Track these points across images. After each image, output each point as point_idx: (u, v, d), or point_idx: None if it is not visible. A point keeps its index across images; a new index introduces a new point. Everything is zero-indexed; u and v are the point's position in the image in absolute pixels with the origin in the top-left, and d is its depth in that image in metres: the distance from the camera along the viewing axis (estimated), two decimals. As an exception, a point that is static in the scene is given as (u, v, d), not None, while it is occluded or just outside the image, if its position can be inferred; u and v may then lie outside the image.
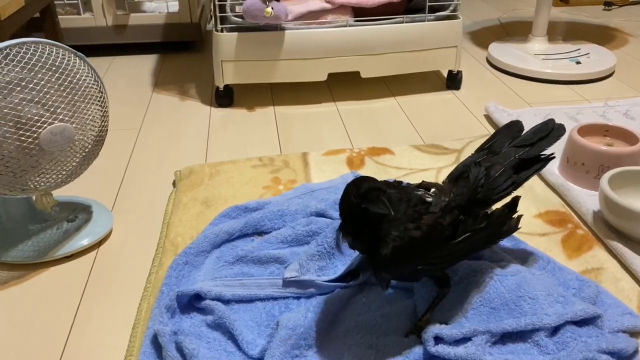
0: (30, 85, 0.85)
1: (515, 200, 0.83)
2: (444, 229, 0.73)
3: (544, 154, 0.84)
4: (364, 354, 0.73)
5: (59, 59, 0.88)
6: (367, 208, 0.68)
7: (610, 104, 1.48)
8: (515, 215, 0.83)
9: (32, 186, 0.92)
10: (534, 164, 0.83)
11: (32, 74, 0.85)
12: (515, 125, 0.87)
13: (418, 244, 0.70)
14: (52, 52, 0.88)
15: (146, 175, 1.22)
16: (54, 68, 0.87)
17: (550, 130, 0.86)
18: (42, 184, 0.93)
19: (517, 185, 0.81)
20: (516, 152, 0.82)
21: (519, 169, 0.82)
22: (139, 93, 1.65)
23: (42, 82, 0.86)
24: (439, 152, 1.26)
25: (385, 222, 0.69)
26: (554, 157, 0.85)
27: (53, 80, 0.87)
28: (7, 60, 0.83)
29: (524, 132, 0.86)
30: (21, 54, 0.85)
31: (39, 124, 0.86)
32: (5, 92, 0.83)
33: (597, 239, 0.97)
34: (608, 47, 1.91)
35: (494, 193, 0.79)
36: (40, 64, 0.86)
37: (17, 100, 0.84)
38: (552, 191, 1.11)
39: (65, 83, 0.89)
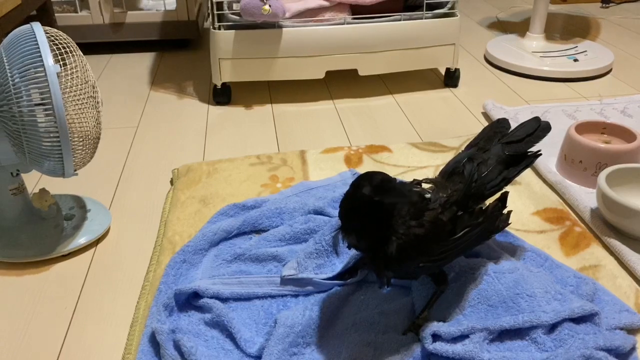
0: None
1: (505, 195, 0.83)
2: (444, 225, 0.73)
3: (532, 151, 0.85)
4: (362, 352, 0.73)
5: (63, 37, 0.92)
6: (380, 201, 0.66)
7: (607, 102, 1.48)
8: (505, 211, 0.84)
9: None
10: (522, 160, 0.84)
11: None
12: (502, 122, 0.88)
13: (422, 241, 0.70)
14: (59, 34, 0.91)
15: (144, 173, 1.22)
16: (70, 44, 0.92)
17: (536, 128, 0.87)
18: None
19: (507, 181, 0.82)
20: (504, 148, 0.83)
21: (508, 164, 0.83)
22: (136, 91, 1.64)
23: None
24: (436, 149, 1.26)
25: (395, 217, 0.68)
26: (540, 154, 0.86)
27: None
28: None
29: (511, 129, 0.87)
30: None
31: (96, 84, 0.93)
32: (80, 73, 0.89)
33: (595, 237, 0.97)
34: (605, 44, 1.91)
35: (486, 188, 0.80)
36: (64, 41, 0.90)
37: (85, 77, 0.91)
38: (549, 189, 1.11)
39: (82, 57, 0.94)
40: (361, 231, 0.69)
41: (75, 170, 0.91)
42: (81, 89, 0.88)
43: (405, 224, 0.69)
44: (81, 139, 0.89)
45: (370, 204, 0.67)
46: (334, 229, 0.72)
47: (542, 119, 1.41)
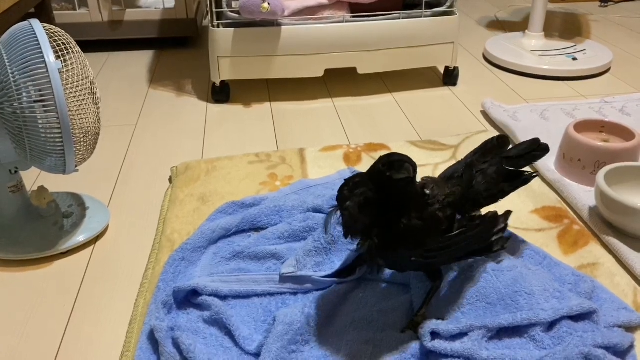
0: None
1: (507, 214, 0.84)
2: (441, 222, 0.74)
3: (527, 172, 0.88)
4: (361, 350, 0.73)
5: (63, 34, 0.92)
6: (390, 177, 0.66)
7: (606, 100, 1.48)
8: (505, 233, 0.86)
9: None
10: (518, 177, 0.86)
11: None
12: (503, 138, 0.90)
13: (418, 233, 0.71)
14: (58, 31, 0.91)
15: (142, 171, 1.22)
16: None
17: (535, 148, 0.89)
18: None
19: (504, 193, 0.84)
20: (504, 162, 0.86)
21: (506, 179, 0.85)
22: (135, 89, 1.64)
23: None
24: (435, 148, 1.26)
25: (402, 204, 0.69)
26: (536, 176, 0.89)
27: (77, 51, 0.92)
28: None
29: (511, 146, 0.89)
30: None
31: (95, 82, 0.92)
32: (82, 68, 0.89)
33: (593, 235, 0.97)
34: (604, 43, 1.91)
35: (483, 196, 0.82)
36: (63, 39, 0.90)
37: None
38: (548, 187, 1.11)
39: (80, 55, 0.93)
40: (364, 209, 0.69)
41: (76, 167, 0.91)
42: (81, 85, 0.88)
43: (406, 215, 0.69)
44: (82, 135, 0.89)
45: (381, 178, 0.67)
46: (329, 211, 0.73)
47: (541, 117, 1.42)
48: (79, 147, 0.89)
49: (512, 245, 0.92)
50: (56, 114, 0.82)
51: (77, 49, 0.90)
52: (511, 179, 0.85)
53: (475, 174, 0.82)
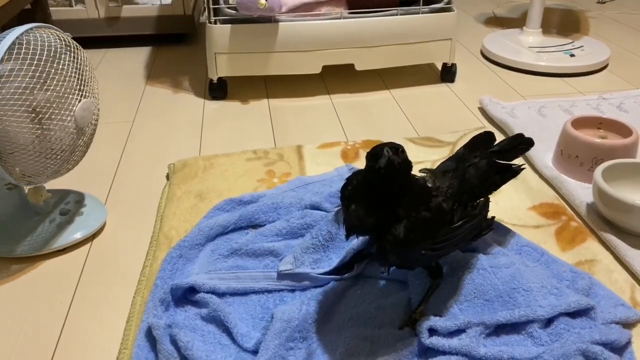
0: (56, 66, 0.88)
1: (487, 200, 0.86)
2: (446, 213, 0.75)
3: (515, 164, 0.89)
4: (359, 346, 0.73)
5: (60, 40, 0.89)
6: (404, 166, 0.67)
7: (604, 97, 1.48)
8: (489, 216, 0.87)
9: (63, 172, 0.94)
10: (507, 169, 0.88)
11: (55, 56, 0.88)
12: (489, 134, 0.91)
13: (428, 224, 0.71)
14: (51, 35, 0.89)
15: (140, 168, 1.22)
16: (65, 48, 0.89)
17: (521, 142, 0.91)
18: (71, 166, 0.96)
19: (496, 186, 0.86)
20: (493, 156, 0.87)
21: (496, 172, 0.87)
22: (131, 86, 1.64)
23: (62, 64, 0.89)
24: (433, 144, 1.26)
25: (409, 194, 0.69)
26: (524, 168, 0.90)
27: (68, 60, 0.90)
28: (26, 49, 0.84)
29: (497, 142, 0.90)
30: (32, 42, 0.85)
31: (73, 101, 0.90)
32: (41, 81, 0.86)
33: (591, 231, 0.97)
34: (602, 40, 1.91)
35: (477, 188, 0.82)
36: (53, 47, 0.87)
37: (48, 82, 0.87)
38: (546, 184, 1.11)
39: (77, 62, 0.91)
40: (369, 206, 0.68)
41: (28, 181, 0.90)
42: (15, 99, 0.83)
43: (413, 207, 0.70)
44: (13, 150, 0.85)
45: (401, 169, 0.67)
46: (337, 210, 0.73)
47: (539, 114, 1.42)
48: (10, 161, 0.86)
49: (510, 242, 0.92)
50: None
51: (62, 61, 0.88)
52: (501, 172, 0.87)
53: (467, 167, 0.83)
